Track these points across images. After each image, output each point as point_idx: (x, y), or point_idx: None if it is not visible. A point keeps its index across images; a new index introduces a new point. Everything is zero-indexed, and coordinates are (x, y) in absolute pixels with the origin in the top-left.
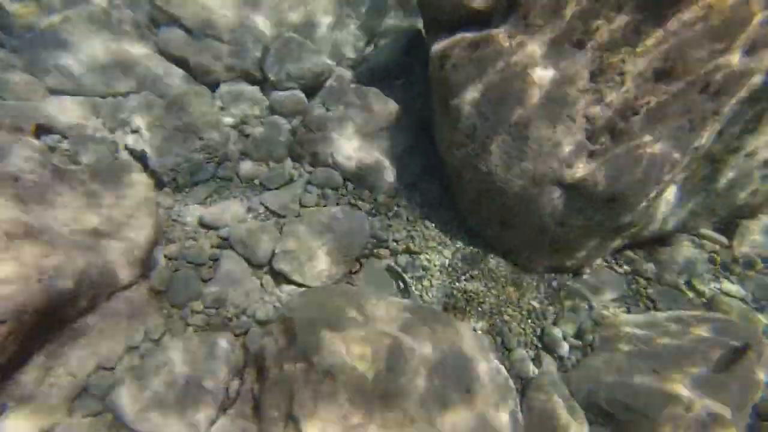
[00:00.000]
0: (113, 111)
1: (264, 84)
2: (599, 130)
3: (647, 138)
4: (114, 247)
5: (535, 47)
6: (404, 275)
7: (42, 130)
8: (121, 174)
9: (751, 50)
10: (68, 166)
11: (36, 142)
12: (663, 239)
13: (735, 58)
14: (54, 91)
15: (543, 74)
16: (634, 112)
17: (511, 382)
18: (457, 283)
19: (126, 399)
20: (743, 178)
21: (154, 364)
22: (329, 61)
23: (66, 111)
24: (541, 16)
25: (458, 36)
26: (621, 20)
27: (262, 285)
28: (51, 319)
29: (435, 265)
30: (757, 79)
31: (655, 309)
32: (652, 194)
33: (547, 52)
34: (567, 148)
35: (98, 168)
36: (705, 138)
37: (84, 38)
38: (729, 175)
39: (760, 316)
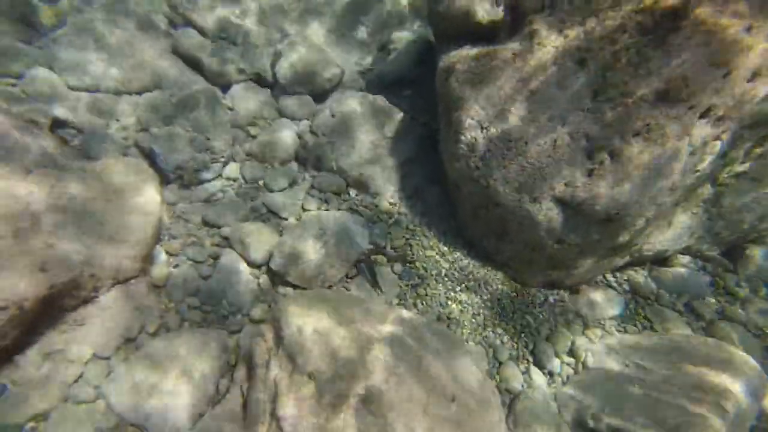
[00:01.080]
0: (126, 108)
1: (274, 87)
2: (599, 149)
3: (646, 158)
4: (118, 241)
5: (539, 64)
6: (374, 269)
7: (58, 124)
8: (132, 171)
9: (755, 76)
10: (82, 160)
11: (50, 136)
12: (666, 259)
13: (738, 84)
14: (73, 88)
15: (546, 91)
16: (634, 133)
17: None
18: (452, 293)
19: (118, 389)
20: (750, 202)
21: (146, 356)
22: (339, 67)
23: (82, 107)
24: (545, 35)
25: (464, 50)
26: (623, 41)
27: (259, 284)
28: (52, 307)
29: (431, 275)
30: (760, 106)
31: (652, 329)
32: (650, 215)
33: (551, 70)
34: (566, 166)
35: (109, 164)
36: (706, 162)
37: (102, 37)
38: (734, 199)
39: (759, 345)
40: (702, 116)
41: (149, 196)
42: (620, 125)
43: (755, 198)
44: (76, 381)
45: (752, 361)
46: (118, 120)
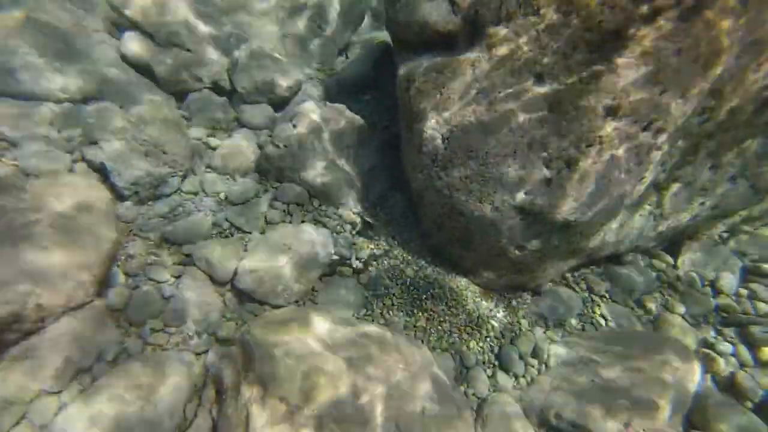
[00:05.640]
0: (69, 119)
1: (232, 95)
2: (556, 159)
3: (599, 168)
4: (66, 266)
5: (498, 76)
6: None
7: None
8: (81, 188)
9: (684, 93)
10: (18, 176)
11: None
12: (617, 258)
13: (672, 101)
14: (2, 94)
15: (505, 103)
16: (588, 144)
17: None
18: (418, 302)
19: (71, 426)
20: (685, 203)
21: (103, 387)
22: (298, 75)
23: (15, 117)
24: (503, 46)
25: (424, 59)
26: (575, 58)
27: (224, 303)
28: None
29: (397, 284)
30: (691, 120)
31: (607, 326)
32: (604, 219)
33: (509, 82)
34: (525, 176)
35: (51, 183)
36: (650, 169)
37: (37, 39)
38: (673, 201)
39: (695, 333)
40: (645, 129)
41: (101, 215)
42: (575, 137)
43: (688, 199)
44: (18, 423)
45: (689, 350)
46: (59, 131)
